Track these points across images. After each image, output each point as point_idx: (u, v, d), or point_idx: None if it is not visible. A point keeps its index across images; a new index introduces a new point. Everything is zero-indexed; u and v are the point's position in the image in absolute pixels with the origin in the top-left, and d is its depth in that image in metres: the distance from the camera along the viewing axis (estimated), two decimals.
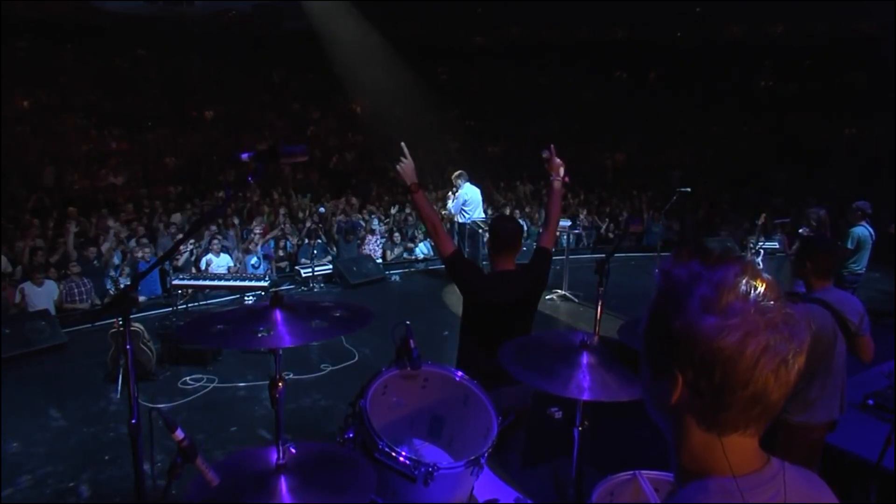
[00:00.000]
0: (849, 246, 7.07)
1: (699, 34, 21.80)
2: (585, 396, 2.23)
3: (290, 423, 5.35)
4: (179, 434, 1.64)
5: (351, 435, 2.23)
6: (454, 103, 21.34)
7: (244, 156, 1.81)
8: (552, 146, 3.77)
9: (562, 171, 3.68)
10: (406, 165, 3.46)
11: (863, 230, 7.19)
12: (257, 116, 19.43)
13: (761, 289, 0.98)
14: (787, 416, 3.47)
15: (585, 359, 2.41)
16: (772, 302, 0.98)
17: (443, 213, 10.52)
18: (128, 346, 2.15)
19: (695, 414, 1.02)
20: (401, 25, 19.91)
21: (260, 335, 1.89)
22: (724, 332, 0.96)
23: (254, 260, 9.76)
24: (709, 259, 1.06)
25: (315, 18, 18.37)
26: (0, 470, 4.67)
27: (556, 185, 3.68)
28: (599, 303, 3.07)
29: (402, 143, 3.49)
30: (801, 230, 7.04)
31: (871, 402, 4.99)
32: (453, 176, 10.27)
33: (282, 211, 12.05)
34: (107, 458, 4.90)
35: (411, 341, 2.34)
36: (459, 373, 2.52)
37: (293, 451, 1.99)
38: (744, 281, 0.99)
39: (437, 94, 19.85)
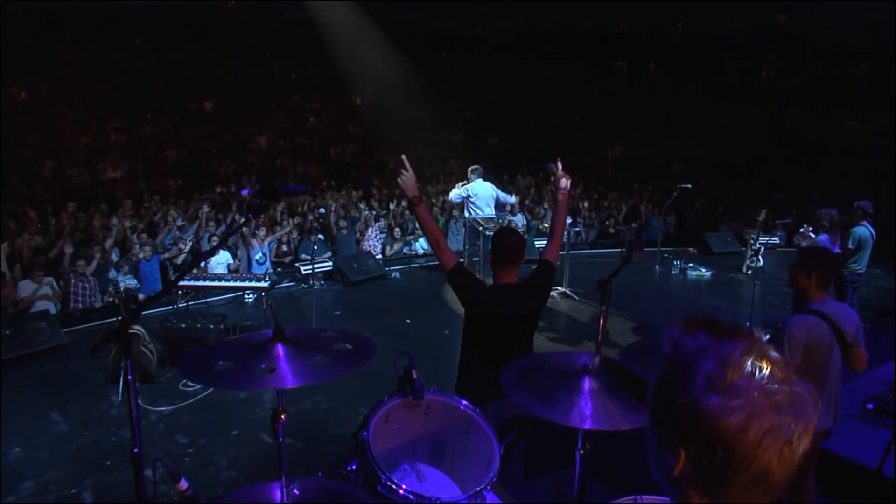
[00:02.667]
0: (850, 246, 7.07)
1: (700, 25, 21.61)
2: (587, 425, 2.23)
3: (292, 426, 5.34)
4: (183, 484, 1.64)
5: (354, 467, 2.23)
6: (454, 95, 21.25)
7: (244, 192, 1.83)
8: (559, 160, 3.76)
9: (567, 184, 3.67)
10: (407, 178, 3.44)
11: (864, 230, 7.19)
12: (257, 108, 19.35)
13: (766, 371, 0.98)
14: None
15: (587, 384, 2.41)
16: (776, 385, 0.97)
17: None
18: (129, 378, 2.15)
19: (697, 488, 1.03)
20: (401, 15, 19.74)
21: (262, 375, 1.88)
22: (727, 413, 0.96)
23: (258, 255, 9.73)
24: (717, 331, 1.06)
25: (314, 9, 18.25)
26: (1, 476, 4.68)
27: (562, 199, 3.67)
28: (601, 321, 3.07)
29: (403, 156, 3.47)
30: (802, 229, 7.03)
31: (870, 405, 5.01)
32: (469, 170, 10.13)
33: (280, 207, 12.01)
34: (108, 463, 4.90)
35: (413, 371, 2.33)
36: (464, 402, 2.52)
37: (296, 492, 1.98)
38: (749, 361, 0.99)
39: (437, 86, 19.76)
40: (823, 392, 3.54)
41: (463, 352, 3.56)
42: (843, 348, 3.56)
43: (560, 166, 3.72)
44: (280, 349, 1.99)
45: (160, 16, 19.02)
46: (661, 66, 22.66)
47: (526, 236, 11.72)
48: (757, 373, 0.98)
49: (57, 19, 18.11)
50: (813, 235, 6.76)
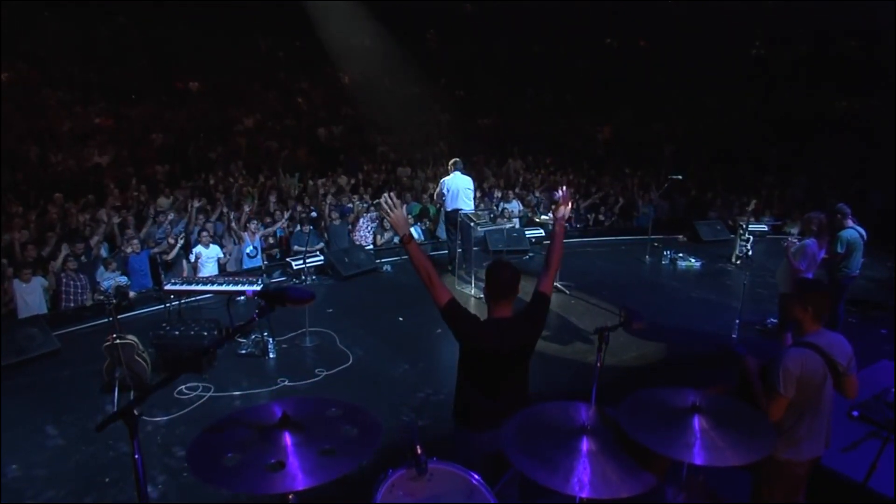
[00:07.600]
0: (839, 251, 7.13)
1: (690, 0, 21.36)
2: (585, 493, 2.28)
3: None
4: None
5: None
6: (443, 73, 21.00)
7: (248, 292, 1.80)
8: (564, 188, 3.81)
9: (566, 213, 3.73)
10: (397, 217, 3.48)
11: (852, 232, 7.24)
12: (244, 88, 19.03)
13: None
14: (775, 453, 3.59)
15: (585, 445, 2.46)
16: None
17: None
18: (136, 456, 2.17)
19: None
20: None
21: (272, 472, 1.89)
22: None
23: (249, 248, 9.72)
24: None
25: None
26: (1, 496, 4.70)
27: (559, 229, 3.72)
28: (598, 365, 3.11)
29: (392, 194, 3.52)
30: (790, 237, 7.09)
31: (855, 413, 5.05)
32: (449, 164, 10.09)
33: (272, 198, 11.95)
34: (107, 480, 4.93)
35: (418, 447, 2.35)
36: (476, 476, 2.56)
37: None
38: None
39: (425, 63, 19.51)
40: (815, 422, 3.63)
41: (459, 381, 3.60)
42: (834, 377, 3.64)
43: (565, 194, 3.78)
44: (287, 438, 2.01)
45: None
46: (651, 42, 22.46)
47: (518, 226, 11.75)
48: None
49: None
50: (796, 241, 6.81)
